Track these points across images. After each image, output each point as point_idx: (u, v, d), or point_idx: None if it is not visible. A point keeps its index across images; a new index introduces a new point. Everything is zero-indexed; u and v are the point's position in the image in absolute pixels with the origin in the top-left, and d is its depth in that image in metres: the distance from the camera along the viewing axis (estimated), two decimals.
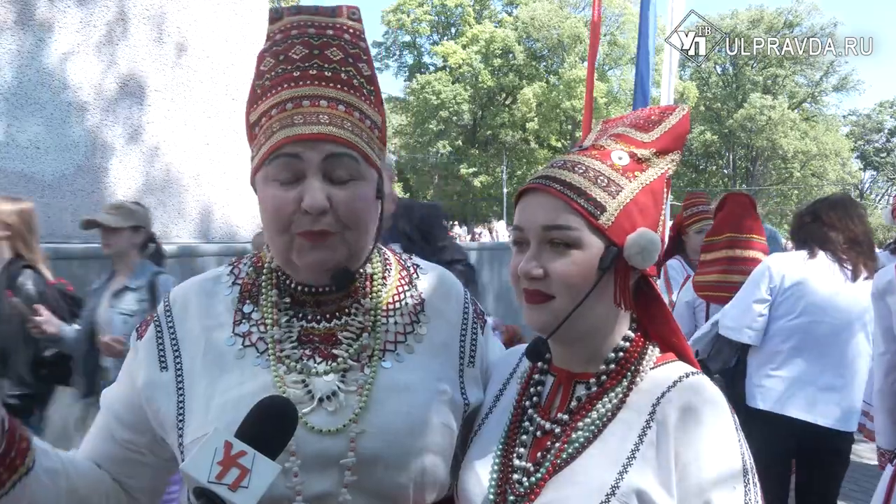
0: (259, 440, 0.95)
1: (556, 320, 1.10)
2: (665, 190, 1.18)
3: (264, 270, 1.26)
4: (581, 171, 1.12)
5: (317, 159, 1.11)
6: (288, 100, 1.14)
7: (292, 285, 1.23)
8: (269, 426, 0.98)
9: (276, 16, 1.23)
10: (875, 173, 49.48)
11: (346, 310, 1.23)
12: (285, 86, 1.16)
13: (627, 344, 1.15)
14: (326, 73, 1.16)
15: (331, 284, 1.20)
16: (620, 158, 1.15)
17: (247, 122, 1.22)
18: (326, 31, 1.20)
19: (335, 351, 1.19)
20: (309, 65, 1.17)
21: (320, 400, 1.14)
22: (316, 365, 1.17)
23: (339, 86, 1.17)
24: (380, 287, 1.26)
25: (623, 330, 1.16)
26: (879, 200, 48.02)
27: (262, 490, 0.92)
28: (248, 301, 1.24)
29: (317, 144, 1.11)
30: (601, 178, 1.12)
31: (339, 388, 1.15)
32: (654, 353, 1.15)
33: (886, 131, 48.20)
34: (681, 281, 4.48)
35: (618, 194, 1.11)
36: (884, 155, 47.99)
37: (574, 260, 1.08)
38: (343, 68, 1.18)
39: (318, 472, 1.10)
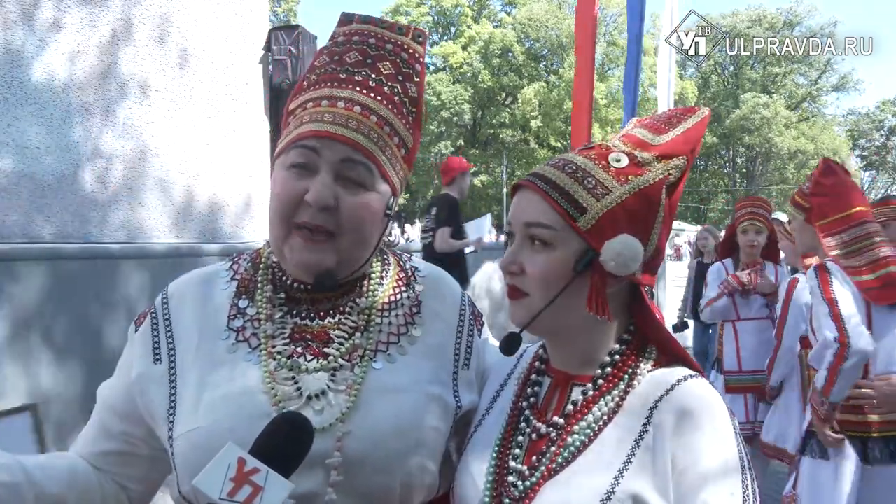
0: (273, 457, 0.94)
1: (530, 316, 1.10)
2: (664, 196, 1.13)
3: (261, 266, 1.27)
4: (570, 170, 1.10)
5: (333, 158, 1.14)
6: (326, 97, 1.18)
7: (288, 281, 1.23)
8: (284, 443, 0.97)
9: (346, 19, 1.27)
10: (875, 172, 49.41)
11: (342, 308, 1.23)
12: (329, 84, 1.20)
13: (624, 347, 1.13)
14: (371, 83, 1.20)
15: (313, 285, 1.20)
16: (618, 160, 1.12)
17: (285, 111, 1.25)
18: (386, 44, 1.23)
19: (327, 349, 1.19)
20: (357, 71, 1.20)
21: (308, 398, 1.14)
22: (307, 362, 1.17)
23: (378, 97, 1.19)
24: (376, 287, 1.27)
25: (619, 333, 1.15)
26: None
27: None
28: (244, 296, 1.24)
29: (337, 145, 1.14)
30: (588, 178, 1.09)
31: (328, 386, 1.15)
32: (651, 356, 1.13)
33: (886, 129, 48.08)
34: (719, 283, 4.46)
35: (603, 197, 1.08)
36: (884, 153, 47.89)
37: (548, 259, 1.08)
38: (389, 83, 1.21)
39: (304, 471, 1.09)
